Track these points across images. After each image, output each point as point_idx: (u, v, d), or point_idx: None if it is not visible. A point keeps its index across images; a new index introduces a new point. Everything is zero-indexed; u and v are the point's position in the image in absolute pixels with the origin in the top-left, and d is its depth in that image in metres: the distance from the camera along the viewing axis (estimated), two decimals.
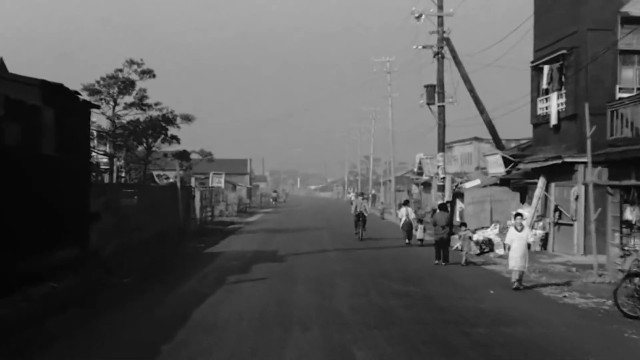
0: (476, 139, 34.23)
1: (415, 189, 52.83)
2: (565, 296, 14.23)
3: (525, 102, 25.57)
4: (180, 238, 26.84)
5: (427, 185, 49.13)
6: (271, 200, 76.13)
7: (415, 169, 54.09)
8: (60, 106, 15.65)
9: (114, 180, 26.30)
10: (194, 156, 34.96)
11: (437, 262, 19.77)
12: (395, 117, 56.29)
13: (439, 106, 29.25)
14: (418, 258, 21.22)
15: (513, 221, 26.13)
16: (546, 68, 23.73)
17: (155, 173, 38.73)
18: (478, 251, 21.65)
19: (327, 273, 16.99)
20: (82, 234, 17.40)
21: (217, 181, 42.07)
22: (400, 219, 27.75)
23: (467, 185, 27.45)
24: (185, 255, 21.66)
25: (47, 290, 13.93)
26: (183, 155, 29.30)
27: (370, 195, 69.18)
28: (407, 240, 26.24)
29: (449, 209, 21.17)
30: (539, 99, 24.75)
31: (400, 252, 23.00)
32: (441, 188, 29.36)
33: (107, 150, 26.74)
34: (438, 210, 21.10)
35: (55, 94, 15.29)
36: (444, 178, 29.07)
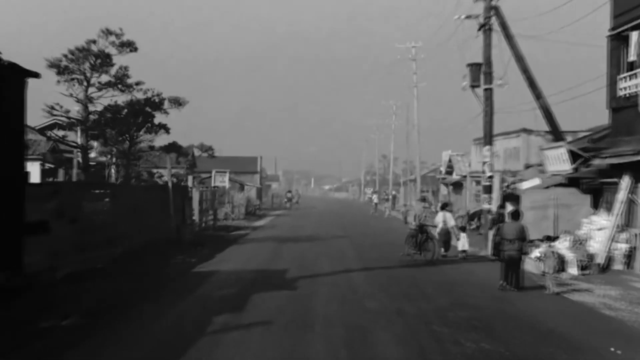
0: (525, 130, 28.80)
1: (443, 190, 47.49)
2: None
3: (588, 85, 20.39)
4: (169, 250, 21.84)
5: (457, 186, 43.83)
6: (285, 201, 70.86)
7: (443, 168, 48.75)
8: None
9: (79, 178, 21.31)
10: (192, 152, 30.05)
11: (501, 283, 14.74)
12: (418, 111, 50.74)
13: (485, 89, 24.06)
14: (475, 282, 16.02)
15: (584, 230, 21.05)
16: (634, 35, 18.43)
17: (154, 171, 33.85)
18: (551, 270, 16.33)
19: (358, 312, 11.80)
20: (12, 253, 12.36)
21: (221, 180, 36.89)
22: (436, 226, 22.50)
23: (524, 185, 22.16)
24: (167, 276, 16.56)
25: None
26: (174, 149, 24.16)
27: (390, 197, 63.93)
28: (443, 252, 21.23)
29: (520, 216, 15.79)
30: (620, 76, 19.42)
31: (448, 273, 17.73)
32: (487, 189, 24.11)
33: (79, 141, 21.74)
34: (507, 219, 16.02)
35: None
36: (491, 177, 23.80)
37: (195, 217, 30.22)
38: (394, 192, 67.18)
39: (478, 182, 35.88)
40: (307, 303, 12.56)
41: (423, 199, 21.13)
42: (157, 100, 21.82)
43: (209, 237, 27.90)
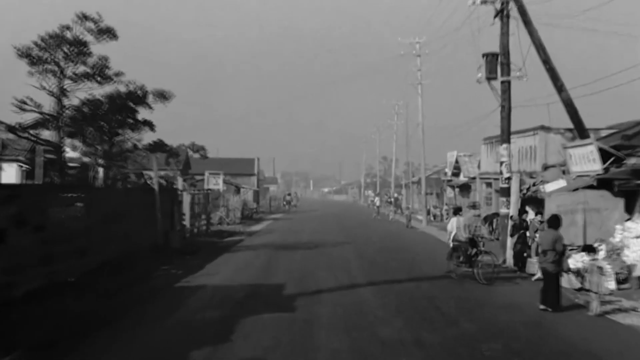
0: (543, 128, 26.56)
1: (449, 193, 45.35)
2: None
3: (606, 80, 18.24)
4: (153, 260, 19.66)
5: (464, 188, 41.71)
6: (284, 204, 68.66)
7: (449, 170, 46.61)
8: None
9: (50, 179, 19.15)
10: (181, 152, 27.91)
11: (542, 307, 12.60)
12: (423, 110, 48.19)
13: (502, 82, 21.88)
14: (502, 301, 13.81)
15: (618, 238, 18.91)
16: None
17: (145, 173, 31.67)
18: (595, 288, 14.08)
19: (368, 344, 9.57)
20: None
21: (214, 182, 34.71)
22: (450, 234, 20.01)
23: (548, 187, 19.98)
24: (146, 293, 14.38)
25: None
26: (159, 148, 21.93)
27: (393, 199, 61.74)
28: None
29: (560, 223, 13.48)
30: None
31: (468, 289, 15.51)
32: (505, 192, 21.90)
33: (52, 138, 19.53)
34: (540, 226, 13.88)
35: None
36: (509, 178, 21.59)
37: (186, 222, 28.07)
38: (395, 195, 65.04)
39: (489, 184, 33.71)
40: (307, 331, 10.33)
41: (473, 206, 18.12)
42: (140, 93, 19.65)
43: (200, 243, 25.76)
